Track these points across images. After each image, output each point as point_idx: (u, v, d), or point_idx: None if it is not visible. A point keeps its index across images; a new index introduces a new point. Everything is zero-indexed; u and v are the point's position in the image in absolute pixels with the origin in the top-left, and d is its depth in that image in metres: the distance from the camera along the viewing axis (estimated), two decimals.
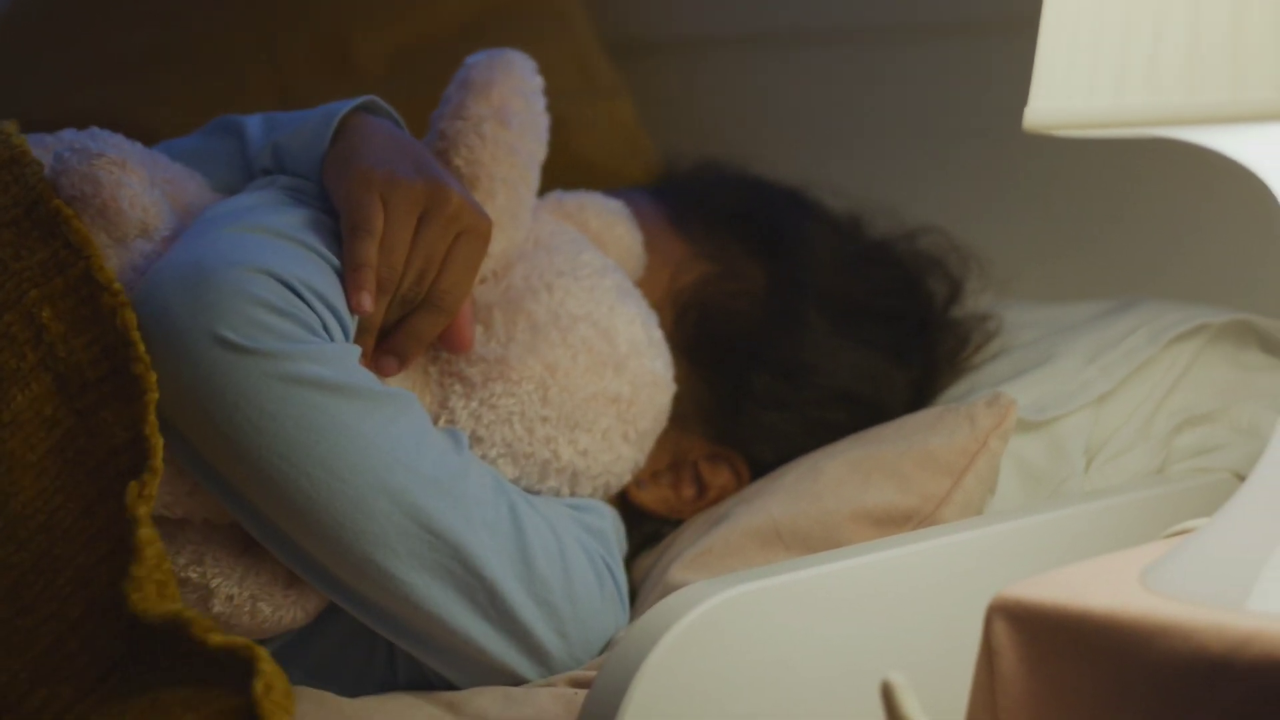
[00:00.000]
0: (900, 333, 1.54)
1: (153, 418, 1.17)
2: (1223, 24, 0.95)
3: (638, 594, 1.40)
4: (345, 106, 1.34)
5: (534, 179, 1.41)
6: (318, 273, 1.23)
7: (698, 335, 1.49)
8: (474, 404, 1.34)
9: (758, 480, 1.47)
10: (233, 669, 1.09)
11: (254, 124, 1.39)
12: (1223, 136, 1.02)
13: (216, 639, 1.09)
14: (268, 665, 1.08)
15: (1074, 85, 1.01)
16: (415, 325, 1.30)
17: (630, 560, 1.45)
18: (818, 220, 1.57)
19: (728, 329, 1.50)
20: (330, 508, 1.21)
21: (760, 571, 1.20)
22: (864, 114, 2.01)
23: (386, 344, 1.30)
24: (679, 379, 1.46)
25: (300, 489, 1.20)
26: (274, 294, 1.19)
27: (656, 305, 1.47)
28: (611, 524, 1.38)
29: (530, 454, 1.35)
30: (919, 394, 1.52)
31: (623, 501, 1.47)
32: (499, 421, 1.34)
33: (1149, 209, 1.81)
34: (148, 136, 2.00)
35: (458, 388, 1.34)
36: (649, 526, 1.48)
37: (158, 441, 1.16)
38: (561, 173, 1.99)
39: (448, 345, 1.34)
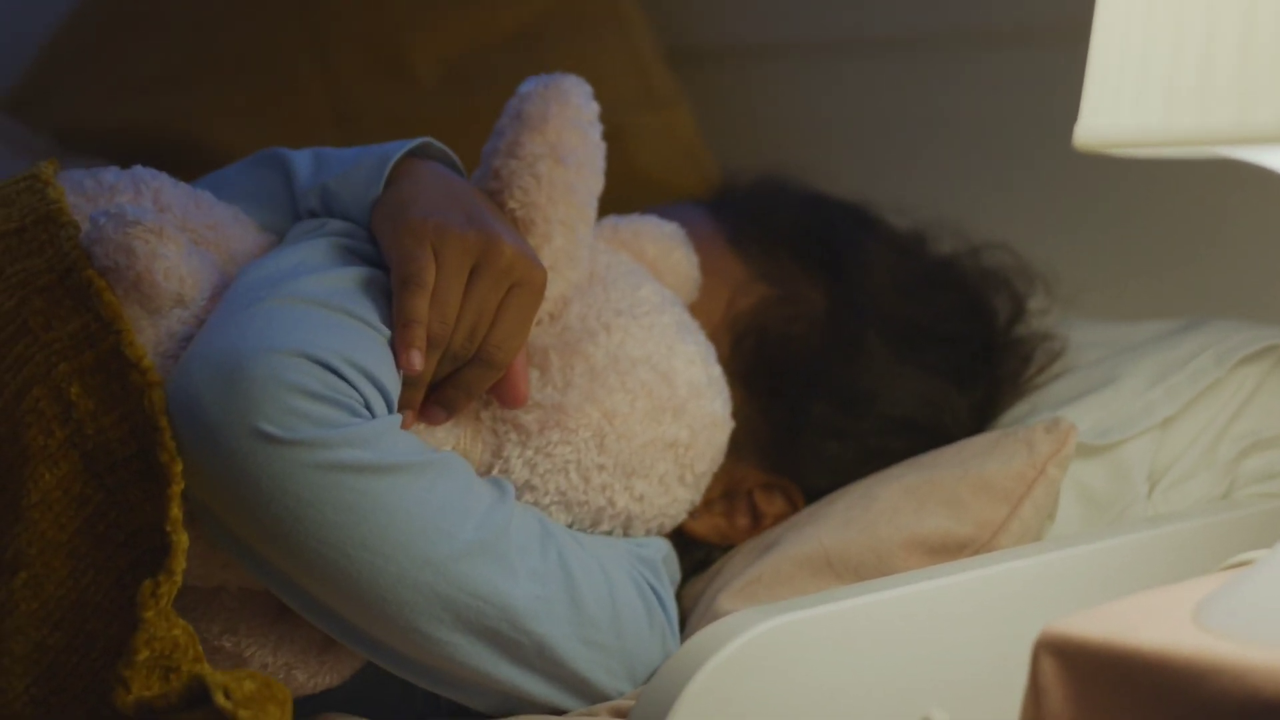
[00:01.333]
0: (963, 357, 1.51)
1: (176, 512, 1.15)
2: (1272, 42, 0.93)
3: (686, 621, 1.38)
4: (399, 150, 1.31)
5: (592, 215, 1.36)
6: (360, 344, 1.20)
7: (755, 362, 1.46)
8: (529, 452, 1.30)
9: (809, 505, 1.44)
10: None
11: (302, 161, 1.35)
12: (1275, 156, 0.99)
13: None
14: None
15: (1122, 104, 0.99)
16: (466, 379, 1.26)
17: (680, 586, 1.42)
18: (880, 239, 1.54)
19: (786, 355, 1.47)
20: (373, 584, 1.19)
21: (804, 601, 1.19)
22: (926, 124, 2.00)
23: (436, 395, 1.26)
24: (735, 405, 1.43)
25: (340, 569, 1.18)
26: (312, 378, 1.16)
27: (714, 330, 1.45)
28: (663, 555, 1.36)
29: (585, 502, 1.32)
30: (980, 416, 1.50)
31: (675, 530, 1.45)
32: (554, 470, 1.31)
33: (1219, 227, 1.79)
34: (200, 145, 2.01)
35: (513, 435, 1.31)
36: (699, 553, 1.46)
37: (180, 541, 1.15)
38: (618, 183, 1.97)
39: (500, 399, 1.29)
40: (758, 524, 1.47)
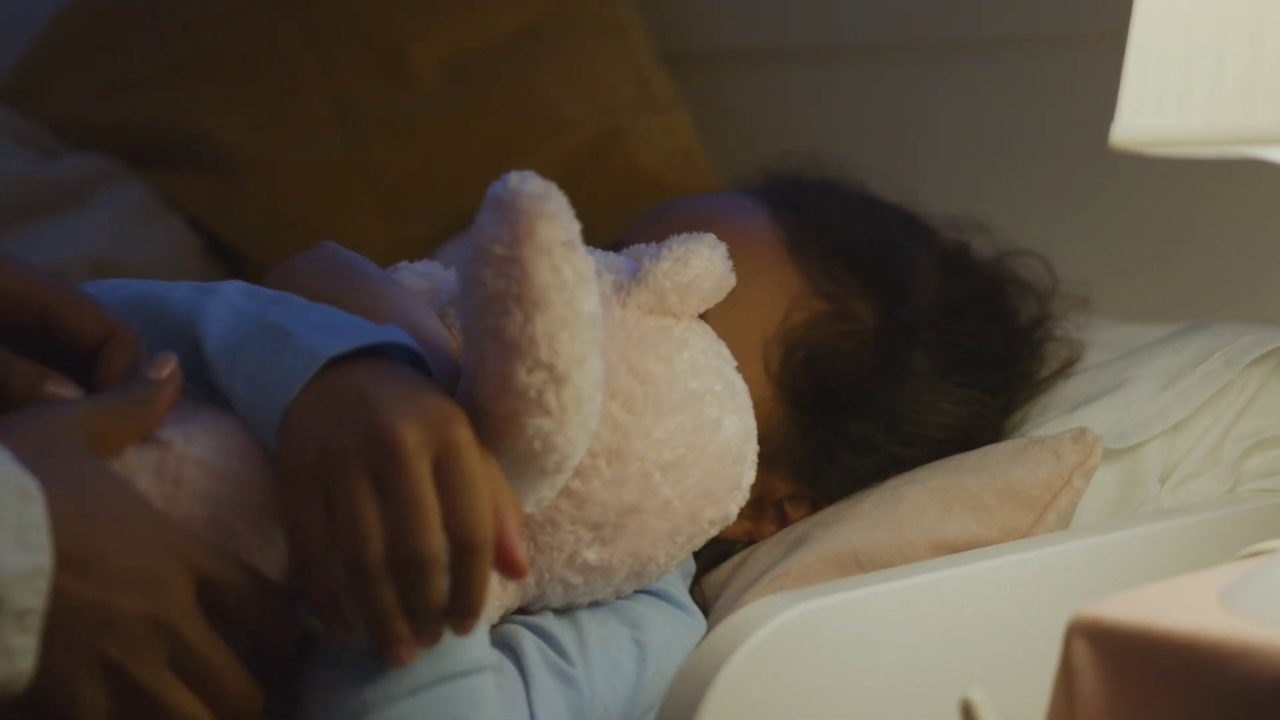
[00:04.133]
0: (1005, 378, 1.51)
1: None
2: None
3: (709, 612, 1.39)
4: (320, 357, 1.11)
5: (600, 336, 1.13)
6: None
7: (803, 378, 1.44)
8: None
9: (835, 504, 1.45)
10: None
11: (218, 314, 1.18)
12: None
13: None
14: None
15: (1164, 102, 1.00)
16: (463, 582, 1.08)
17: (702, 575, 1.44)
18: (932, 254, 1.52)
19: (833, 374, 1.45)
20: None
21: (832, 586, 1.20)
22: (923, 129, 2.01)
23: (450, 611, 1.09)
24: (776, 421, 1.43)
25: None
26: None
27: (767, 342, 1.44)
28: (674, 574, 1.36)
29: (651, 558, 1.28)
30: (1004, 419, 1.51)
31: None
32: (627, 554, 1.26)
33: (1218, 228, 1.81)
34: (199, 143, 2.02)
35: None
36: (722, 545, 1.47)
37: None
38: (617, 185, 2.00)
39: (502, 573, 1.10)
40: (783, 528, 1.47)
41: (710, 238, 1.27)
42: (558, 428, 1.09)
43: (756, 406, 1.40)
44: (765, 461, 1.40)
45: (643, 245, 1.30)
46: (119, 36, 2.10)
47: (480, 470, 1.07)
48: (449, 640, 1.11)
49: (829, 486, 1.46)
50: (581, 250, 1.08)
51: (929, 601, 1.21)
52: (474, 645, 1.14)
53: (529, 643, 1.23)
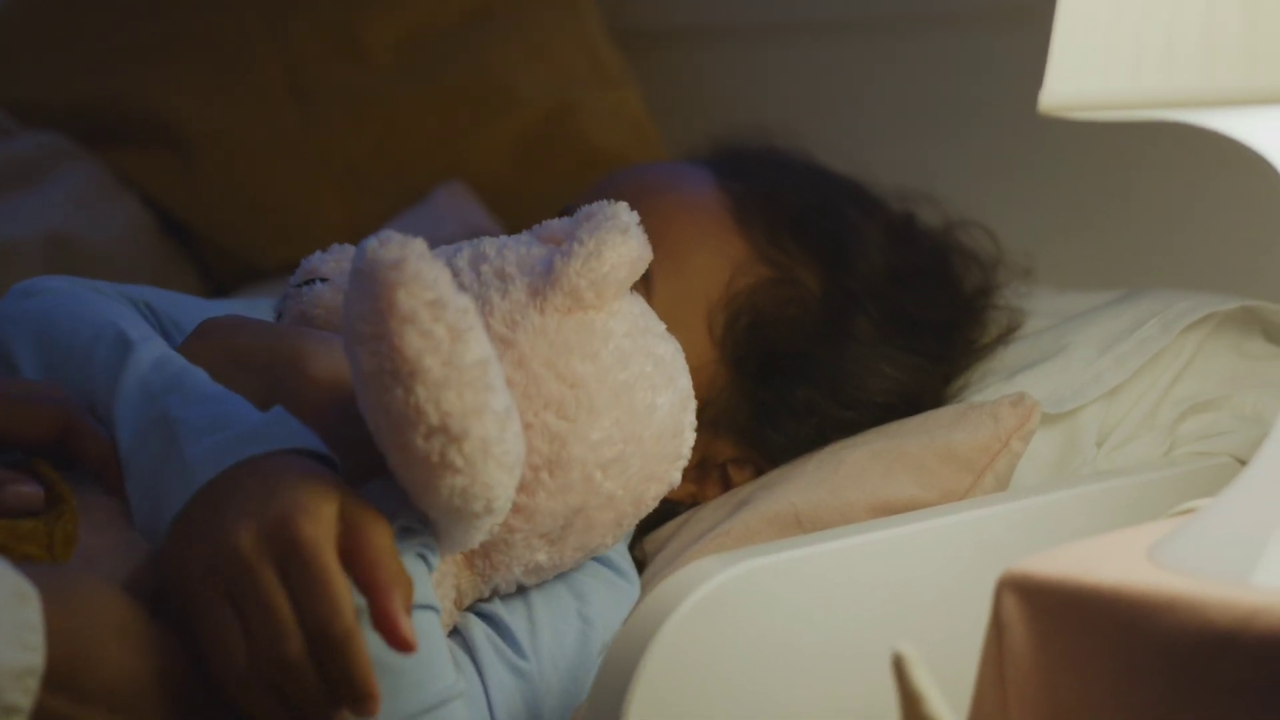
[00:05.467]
0: (948, 345, 1.53)
1: None
2: (1238, 8, 0.96)
3: (646, 568, 1.41)
4: (194, 485, 1.11)
5: (498, 371, 1.11)
6: None
7: (747, 344, 1.47)
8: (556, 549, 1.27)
9: (780, 466, 1.47)
10: None
11: (128, 397, 1.19)
12: (1236, 120, 1.03)
13: None
14: None
15: (1090, 67, 1.02)
16: (334, 672, 1.07)
17: (645, 534, 1.45)
18: (877, 224, 1.54)
19: (777, 339, 1.47)
20: None
21: (771, 547, 1.21)
22: (870, 104, 2.03)
23: (342, 700, 1.08)
24: (720, 385, 1.45)
25: None
26: None
27: (711, 308, 1.46)
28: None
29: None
30: (946, 385, 1.53)
31: None
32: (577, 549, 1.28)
33: (1152, 195, 1.83)
34: (158, 122, 2.02)
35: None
36: (666, 506, 1.48)
37: None
38: (569, 161, 2.02)
39: (392, 647, 1.09)
40: (727, 491, 1.49)
41: (621, 215, 1.22)
42: (471, 481, 1.08)
43: (700, 371, 1.41)
44: (709, 425, 1.42)
45: (559, 223, 1.28)
46: (75, 16, 2.10)
47: (325, 562, 1.06)
48: (415, 677, 1.13)
49: (772, 450, 1.47)
50: (452, 301, 1.05)
51: (867, 562, 1.23)
52: (438, 678, 1.15)
53: (482, 637, 1.24)
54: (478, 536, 1.15)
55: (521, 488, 1.19)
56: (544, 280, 1.21)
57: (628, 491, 1.25)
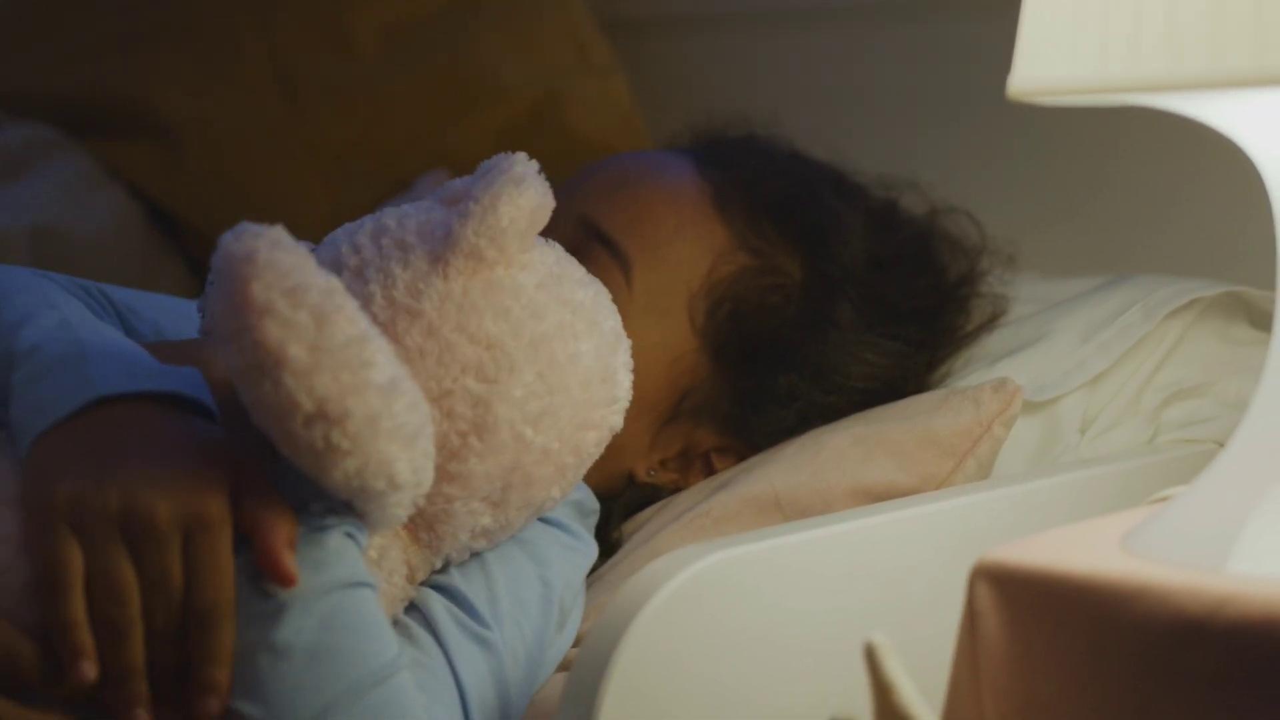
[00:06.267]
0: (930, 331, 1.53)
1: None
2: None
3: (621, 545, 1.41)
4: (95, 390, 1.13)
5: (378, 340, 1.11)
6: None
7: (728, 331, 1.46)
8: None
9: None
10: None
11: (45, 323, 1.20)
12: (1203, 104, 1.03)
13: None
14: None
15: (1058, 52, 1.02)
16: (201, 648, 1.11)
17: (626, 518, 1.45)
18: (859, 211, 1.54)
19: (759, 327, 1.47)
20: None
21: (747, 536, 1.20)
22: (858, 92, 2.02)
23: (194, 688, 1.11)
24: (702, 374, 1.44)
25: None
26: None
27: (692, 296, 1.45)
28: (572, 508, 1.36)
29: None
30: (929, 371, 1.52)
31: (627, 479, 1.47)
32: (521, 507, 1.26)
33: (1136, 182, 1.83)
34: (145, 111, 2.02)
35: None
36: (648, 493, 1.48)
37: None
38: (555, 149, 2.01)
39: (275, 582, 1.12)
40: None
41: (516, 167, 1.18)
42: (364, 460, 1.07)
43: (682, 360, 1.41)
44: (691, 414, 1.42)
45: (460, 183, 1.26)
46: (62, 7, 2.11)
47: (222, 544, 1.10)
48: (351, 654, 1.13)
49: (755, 438, 1.47)
50: (314, 284, 1.05)
51: (846, 551, 1.23)
52: (377, 654, 1.14)
53: (441, 610, 1.23)
54: (399, 511, 1.14)
55: (452, 455, 1.18)
56: (443, 244, 1.18)
57: (563, 443, 1.22)
